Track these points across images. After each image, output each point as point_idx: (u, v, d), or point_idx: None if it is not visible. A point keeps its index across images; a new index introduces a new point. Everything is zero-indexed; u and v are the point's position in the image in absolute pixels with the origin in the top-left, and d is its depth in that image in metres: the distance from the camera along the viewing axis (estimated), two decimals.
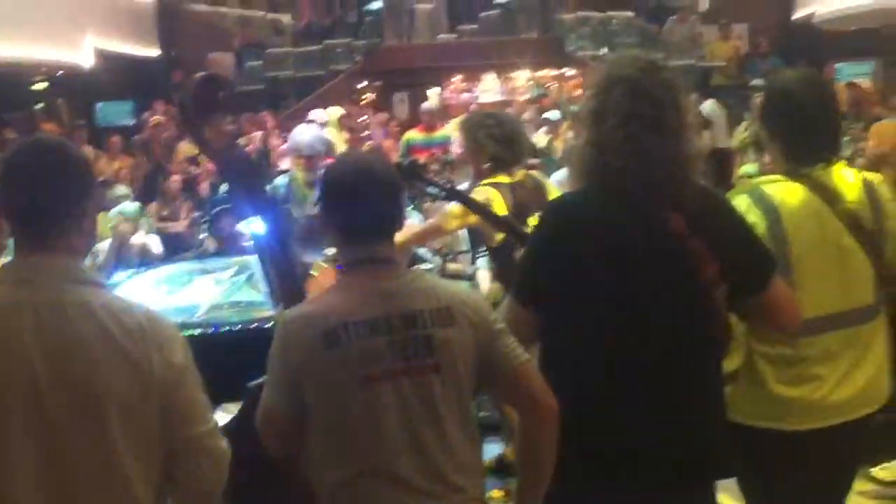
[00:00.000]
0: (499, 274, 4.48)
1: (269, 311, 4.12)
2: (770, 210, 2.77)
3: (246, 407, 2.38)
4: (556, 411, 2.24)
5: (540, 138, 10.96)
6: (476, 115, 4.93)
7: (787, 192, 2.81)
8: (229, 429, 2.32)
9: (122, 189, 8.56)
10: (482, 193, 4.09)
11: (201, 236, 7.02)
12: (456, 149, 9.57)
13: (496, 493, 4.54)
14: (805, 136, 2.85)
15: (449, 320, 2.23)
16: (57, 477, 1.96)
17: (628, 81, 2.42)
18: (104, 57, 13.23)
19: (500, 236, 4.07)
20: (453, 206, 4.08)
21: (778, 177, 2.88)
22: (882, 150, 5.13)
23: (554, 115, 11.44)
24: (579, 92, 13.34)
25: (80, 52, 12.44)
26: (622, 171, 2.38)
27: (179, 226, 9.33)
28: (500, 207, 4.05)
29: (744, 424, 2.81)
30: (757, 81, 11.90)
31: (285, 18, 16.79)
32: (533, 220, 3.67)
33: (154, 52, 16.06)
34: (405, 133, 11.16)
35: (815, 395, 2.79)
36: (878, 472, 4.58)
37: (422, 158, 8.86)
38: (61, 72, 12.45)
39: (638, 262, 2.36)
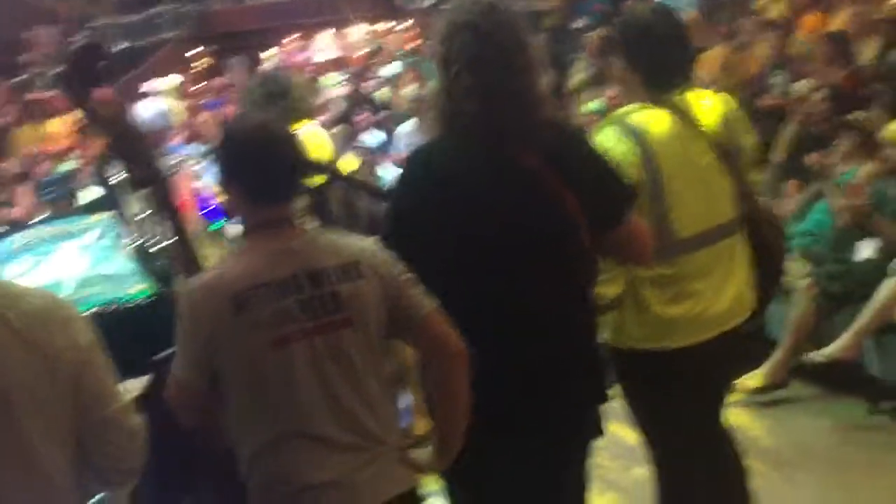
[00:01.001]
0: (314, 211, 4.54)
1: (140, 285, 4.10)
2: (640, 137, 2.87)
3: (154, 381, 2.32)
4: (465, 353, 2.27)
5: (382, 92, 10.97)
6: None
7: (652, 119, 2.92)
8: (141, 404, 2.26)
9: None
10: (310, 138, 4.11)
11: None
12: None
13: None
14: (664, 65, 2.96)
15: (356, 274, 2.23)
16: None
17: (471, 26, 2.46)
18: None
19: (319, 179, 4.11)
20: None
21: (637, 106, 2.98)
22: (712, 76, 5.37)
23: (393, 68, 11.44)
24: (413, 44, 13.43)
25: None
26: (474, 115, 2.43)
27: (17, 212, 8.92)
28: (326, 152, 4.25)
29: (628, 349, 2.95)
30: (581, 23, 12.17)
31: None
32: None
33: None
34: None
35: (695, 310, 2.93)
36: (743, 381, 4.84)
37: None
38: None
39: (497, 203, 2.42)
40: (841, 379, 4.85)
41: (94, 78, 2.60)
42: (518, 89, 2.45)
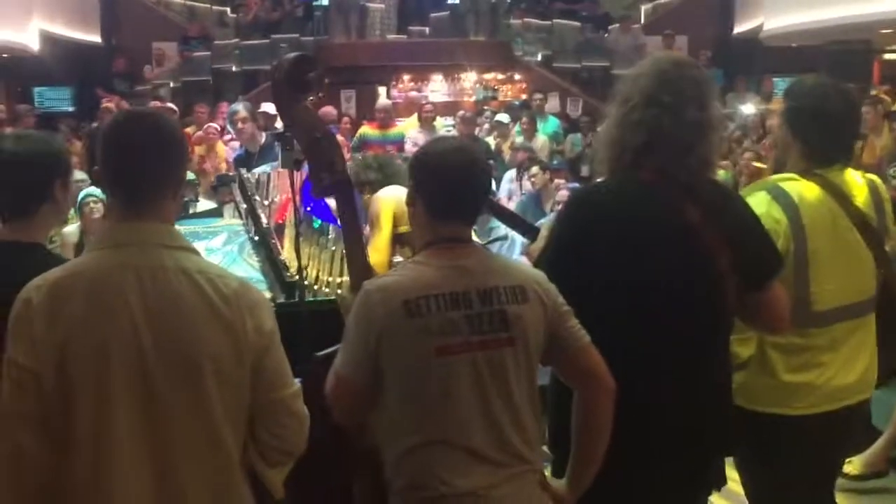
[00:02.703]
0: None
1: (268, 292, 4.21)
2: (790, 206, 2.92)
3: (311, 377, 2.44)
4: (614, 389, 2.35)
5: (489, 140, 11.13)
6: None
7: (804, 190, 2.96)
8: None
9: (79, 174, 8.41)
10: None
11: None
12: (410, 148, 9.71)
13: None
14: (829, 141, 3.01)
15: (522, 297, 2.33)
16: (157, 438, 2.01)
17: (657, 71, 2.58)
18: (48, 41, 13.01)
19: None
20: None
21: (793, 175, 3.03)
22: None
23: (504, 117, 11.60)
24: (525, 95, 13.60)
25: (27, 34, 12.20)
26: (646, 162, 2.53)
27: None
28: None
29: (751, 409, 2.97)
30: None
31: (229, 11, 16.73)
32: None
33: (95, 38, 15.85)
34: (359, 128, 11.18)
35: (820, 380, 2.96)
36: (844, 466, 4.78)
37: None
38: (5, 54, 12.17)
39: (656, 251, 2.50)
40: None
41: (304, 87, 2.78)
42: (694, 142, 2.54)
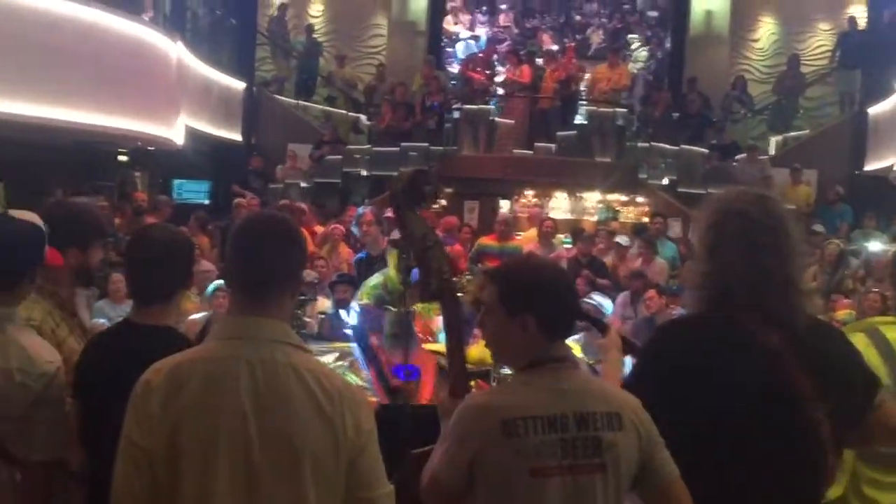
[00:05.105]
0: None
1: (373, 398, 4.32)
2: (888, 352, 2.91)
3: (404, 473, 2.51)
4: None
5: (608, 260, 11.12)
6: None
7: None
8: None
9: (207, 264, 8.79)
10: None
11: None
12: None
13: None
14: None
15: (618, 425, 2.36)
16: None
17: (742, 213, 2.61)
18: (192, 136, 13.71)
19: None
20: None
21: (893, 319, 3.04)
22: None
23: (623, 239, 11.62)
24: (646, 219, 13.60)
25: (174, 129, 12.90)
26: (742, 295, 2.53)
27: None
28: None
29: None
30: (818, 227, 12.06)
31: (364, 118, 17.36)
32: None
33: (236, 136, 16.63)
34: (478, 240, 11.33)
35: None
36: None
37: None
38: (151, 147, 12.87)
39: (736, 380, 2.48)
40: None
41: (419, 198, 2.94)
42: (788, 276, 2.56)
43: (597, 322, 3.19)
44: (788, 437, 2.51)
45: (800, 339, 2.52)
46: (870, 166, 15.06)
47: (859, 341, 2.91)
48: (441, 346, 3.84)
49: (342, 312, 7.20)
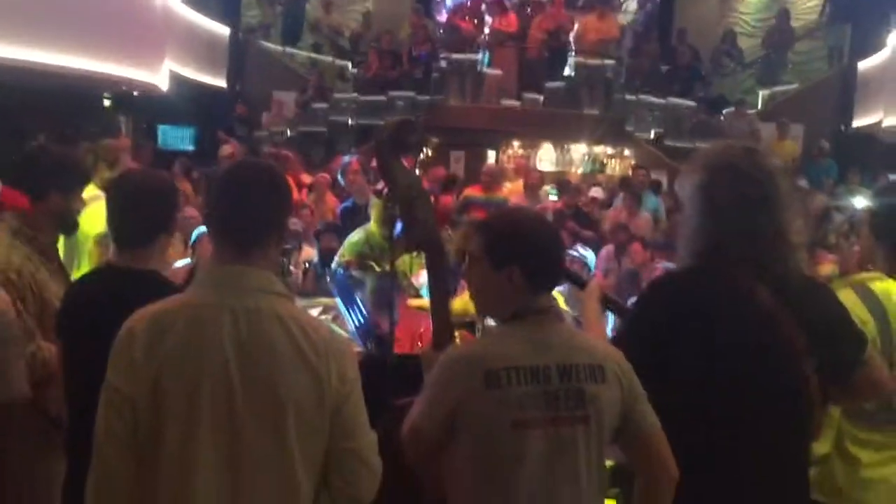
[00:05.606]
0: None
1: (358, 348, 4.32)
2: (877, 306, 2.93)
3: (388, 421, 2.51)
4: (676, 478, 2.36)
5: (593, 213, 11.12)
6: None
7: (892, 289, 2.99)
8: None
9: (191, 210, 8.71)
10: None
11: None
12: None
13: None
14: None
15: (601, 377, 2.36)
16: (237, 475, 2.09)
17: (732, 166, 2.60)
18: (176, 82, 13.57)
19: None
20: None
21: (879, 275, 3.07)
22: None
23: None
24: (630, 171, 13.58)
25: (159, 75, 12.76)
26: (734, 246, 2.54)
27: None
28: None
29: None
30: (803, 183, 12.07)
31: (350, 66, 17.20)
32: None
33: (221, 82, 16.46)
34: (464, 190, 11.29)
35: None
36: None
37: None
38: (136, 92, 12.74)
39: (728, 335, 2.50)
40: None
41: (404, 149, 2.91)
42: (778, 228, 2.57)
43: (577, 279, 3.19)
44: (779, 393, 2.53)
45: (790, 295, 2.53)
46: (858, 121, 15.05)
47: (847, 297, 2.93)
48: (425, 301, 3.82)
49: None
